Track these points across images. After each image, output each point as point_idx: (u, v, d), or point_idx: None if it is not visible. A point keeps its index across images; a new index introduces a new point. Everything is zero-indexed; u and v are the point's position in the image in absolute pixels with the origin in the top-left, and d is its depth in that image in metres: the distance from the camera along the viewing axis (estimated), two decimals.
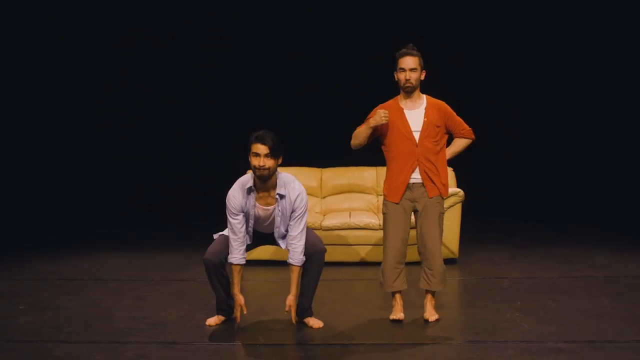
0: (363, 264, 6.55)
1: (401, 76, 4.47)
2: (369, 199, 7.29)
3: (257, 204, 4.35)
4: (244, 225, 4.39)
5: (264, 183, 4.26)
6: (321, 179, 7.44)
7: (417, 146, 4.45)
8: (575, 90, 10.05)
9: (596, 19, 9.67)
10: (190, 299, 5.29)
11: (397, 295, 4.66)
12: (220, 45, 9.66)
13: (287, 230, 4.42)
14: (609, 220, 8.76)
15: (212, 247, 4.55)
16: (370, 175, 7.37)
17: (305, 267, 4.45)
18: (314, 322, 4.54)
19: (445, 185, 4.61)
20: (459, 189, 6.61)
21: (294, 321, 4.39)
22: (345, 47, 9.65)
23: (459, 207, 6.57)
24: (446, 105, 4.60)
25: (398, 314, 4.62)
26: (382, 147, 4.64)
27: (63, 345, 4.17)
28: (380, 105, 4.61)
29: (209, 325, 4.60)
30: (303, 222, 4.36)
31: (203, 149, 10.21)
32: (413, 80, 4.45)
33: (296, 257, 4.34)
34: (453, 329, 4.52)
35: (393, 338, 4.28)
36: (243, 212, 4.35)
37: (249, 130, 4.41)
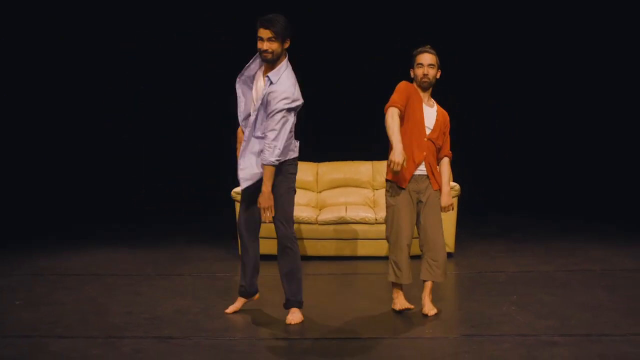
0: (359, 258, 6.55)
1: (419, 71, 4.57)
2: (365, 193, 7.29)
3: (259, 76, 4.31)
4: (248, 100, 4.41)
5: (270, 65, 4.22)
6: (317, 174, 7.44)
7: (427, 140, 4.54)
8: (572, 87, 10.07)
9: (595, 18, 9.68)
10: (187, 293, 5.29)
11: (400, 288, 4.70)
12: (220, 45, 9.65)
13: (255, 130, 4.27)
14: (606, 215, 8.79)
15: (240, 217, 4.54)
16: (366, 170, 7.37)
17: (281, 260, 4.47)
18: (292, 317, 4.46)
19: (440, 184, 4.67)
20: (455, 183, 6.61)
21: (267, 221, 4.25)
22: (343, 46, 9.66)
23: (455, 201, 6.56)
24: (449, 119, 4.72)
25: (406, 303, 4.65)
26: None
27: (59, 341, 4.16)
28: (406, 82, 4.59)
29: (227, 313, 4.66)
30: (278, 116, 4.12)
31: (203, 149, 10.22)
32: (430, 76, 4.56)
33: (265, 155, 4.12)
34: (449, 322, 4.52)
35: (389, 332, 4.28)
36: (249, 77, 4.36)
37: None
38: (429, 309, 4.59)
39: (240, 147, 4.39)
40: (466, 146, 9.64)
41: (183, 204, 10.11)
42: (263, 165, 4.17)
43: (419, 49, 4.64)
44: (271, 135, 4.12)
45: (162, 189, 10.34)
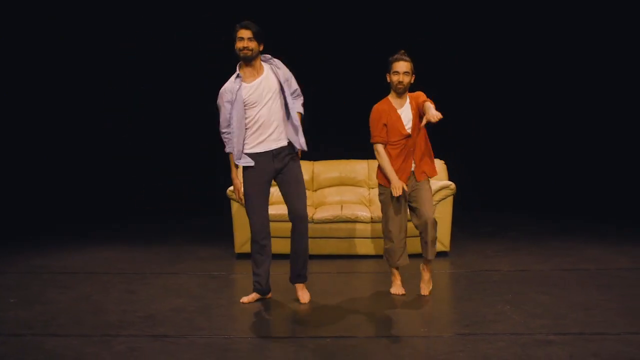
0: (355, 256, 6.56)
1: (395, 78, 4.93)
2: (361, 191, 7.30)
3: (243, 86, 4.68)
4: (233, 118, 4.70)
5: (249, 64, 4.69)
6: (313, 172, 7.44)
7: (410, 138, 4.95)
8: (569, 86, 10.10)
9: (592, 17, 9.70)
10: (182, 292, 5.28)
11: (397, 272, 5.17)
12: (220, 45, 9.65)
13: (280, 97, 4.76)
14: (600, 214, 8.81)
15: (253, 226, 4.83)
16: (362, 168, 7.38)
17: (292, 236, 4.87)
18: (302, 294, 4.95)
19: (433, 166, 5.11)
20: (450, 182, 6.61)
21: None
22: (339, 45, 9.67)
23: (450, 200, 6.57)
24: (419, 92, 5.03)
25: (399, 289, 5.13)
26: None
27: (54, 339, 4.16)
28: (376, 106, 5.04)
29: (243, 303, 4.92)
30: (295, 82, 4.87)
31: (198, 148, 10.21)
32: (405, 82, 4.93)
33: (300, 106, 4.88)
34: (444, 321, 4.53)
35: (384, 331, 4.29)
36: (231, 94, 4.69)
37: None
38: (424, 290, 5.09)
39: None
40: (462, 145, 9.72)
41: (178, 203, 10.13)
42: (298, 113, 4.84)
43: (395, 56, 4.96)
44: (299, 91, 4.87)
45: (158, 188, 10.35)
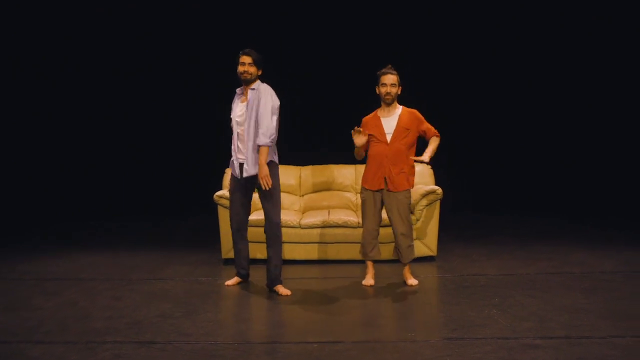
0: (342, 261, 6.55)
1: (382, 90, 5.44)
2: (348, 196, 7.30)
3: (236, 100, 5.46)
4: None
5: (247, 85, 5.34)
6: (300, 177, 7.44)
7: (388, 145, 5.43)
8: (551, 89, 10.17)
9: (580, 24, 9.79)
10: (168, 298, 5.26)
11: (370, 264, 5.70)
12: (219, 48, 9.70)
13: (255, 126, 5.24)
14: (585, 218, 8.86)
15: (230, 213, 5.57)
16: (349, 174, 7.38)
17: (267, 243, 5.42)
18: (283, 290, 5.37)
19: (410, 181, 5.54)
20: (437, 187, 6.63)
21: (268, 187, 5.23)
22: (329, 54, 9.71)
23: (437, 204, 6.59)
24: (418, 112, 5.54)
25: (370, 280, 5.65)
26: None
27: (39, 346, 4.13)
28: (365, 118, 5.61)
29: (227, 286, 5.62)
30: (268, 106, 5.21)
31: (186, 154, 10.20)
32: (392, 94, 5.43)
33: (260, 138, 5.19)
34: (431, 326, 4.54)
35: (371, 336, 4.29)
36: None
37: None
38: (410, 282, 5.60)
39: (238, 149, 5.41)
40: (448, 149, 9.74)
41: (165, 208, 10.09)
42: (259, 146, 5.20)
43: (383, 70, 5.46)
44: (264, 122, 5.18)
45: (145, 193, 10.31)
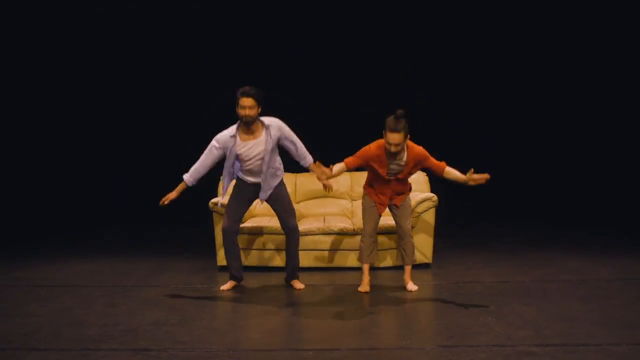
0: (337, 269, 6.54)
1: (388, 146, 5.27)
2: (343, 204, 7.30)
3: (239, 144, 5.45)
4: (228, 163, 5.55)
5: (249, 126, 5.41)
6: (296, 184, 7.43)
7: (391, 185, 5.51)
8: (546, 98, 10.19)
9: (571, 31, 9.83)
10: (164, 304, 5.24)
11: (366, 270, 5.71)
12: (219, 48, 9.72)
13: (269, 167, 5.56)
14: (581, 225, 8.86)
15: (227, 217, 5.69)
16: (345, 181, 7.38)
17: (286, 245, 5.82)
18: (298, 284, 5.80)
19: (407, 192, 5.69)
20: (432, 194, 6.63)
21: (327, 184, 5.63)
22: (326, 61, 9.72)
23: (432, 212, 6.59)
24: (423, 151, 5.43)
25: (365, 287, 5.64)
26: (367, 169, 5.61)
27: (33, 353, 4.11)
28: (373, 148, 5.39)
29: (223, 290, 5.69)
30: (295, 137, 5.61)
31: (181, 160, 10.14)
32: (399, 149, 5.30)
33: (307, 159, 5.63)
34: (427, 333, 4.54)
35: (367, 343, 4.28)
36: (224, 148, 5.48)
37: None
38: (410, 287, 5.63)
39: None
40: (443, 156, 9.75)
41: (160, 214, 10.04)
42: (309, 165, 5.64)
43: (390, 127, 5.19)
44: (300, 144, 5.62)
45: (140, 200, 10.27)
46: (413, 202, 6.43)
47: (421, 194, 6.65)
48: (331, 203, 7.30)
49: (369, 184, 5.65)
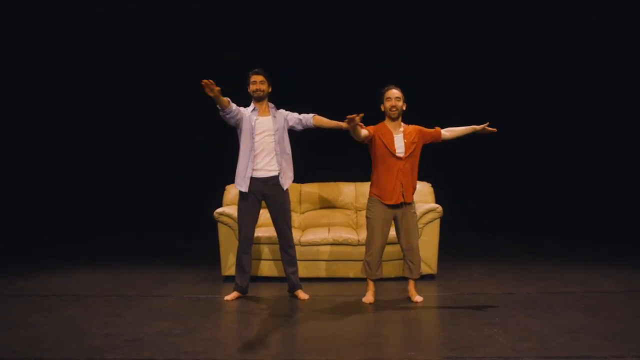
0: (342, 279, 6.54)
1: (388, 104, 5.51)
2: (348, 214, 7.30)
3: (257, 117, 5.70)
4: (246, 135, 5.68)
5: (260, 102, 5.72)
6: (300, 194, 7.43)
7: (402, 161, 5.48)
8: (549, 109, 10.19)
9: (566, 41, 9.85)
10: (168, 315, 5.24)
11: (372, 283, 5.67)
12: (219, 48, 9.76)
13: (281, 142, 5.72)
14: (586, 237, 8.85)
15: (240, 227, 5.76)
16: (349, 191, 7.38)
17: (283, 258, 5.83)
18: (302, 295, 5.83)
19: (414, 190, 5.65)
20: (437, 205, 6.63)
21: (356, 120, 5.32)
22: (329, 69, 9.75)
23: (437, 223, 6.59)
24: (418, 126, 5.64)
25: (370, 298, 5.64)
26: (371, 155, 5.62)
27: None
28: (376, 126, 5.55)
29: (227, 300, 5.72)
30: (297, 115, 5.82)
31: (185, 171, 10.20)
32: (398, 107, 5.49)
33: (308, 118, 5.79)
34: (431, 345, 4.52)
35: (371, 354, 4.27)
36: (239, 111, 5.65)
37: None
38: (416, 298, 5.62)
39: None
40: (448, 168, 9.76)
41: (165, 225, 10.07)
42: (313, 117, 5.79)
43: (386, 86, 5.58)
44: (303, 114, 5.81)
45: (145, 210, 10.30)
46: (417, 213, 6.43)
47: (426, 204, 6.65)
48: (336, 213, 7.30)
49: (375, 183, 5.60)
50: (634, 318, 4.99)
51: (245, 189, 5.64)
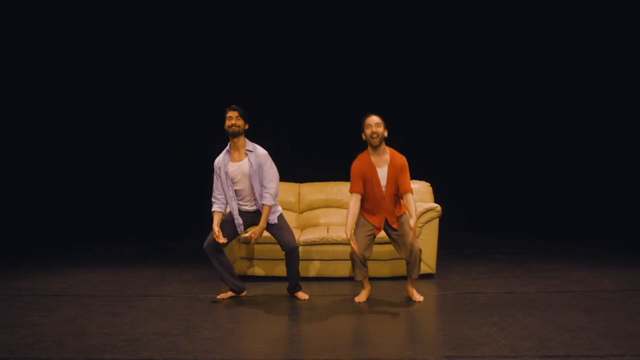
0: (340, 279, 6.54)
1: (368, 131, 5.44)
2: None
3: (229, 163, 5.71)
4: (223, 184, 5.73)
5: (236, 140, 5.69)
6: (299, 194, 7.44)
7: (384, 192, 5.50)
8: (550, 108, 10.20)
9: (561, 45, 9.86)
10: (166, 315, 5.24)
11: (366, 282, 5.72)
12: (219, 48, 9.76)
13: (261, 185, 5.67)
14: (585, 236, 8.85)
15: (208, 239, 5.68)
16: (348, 191, 7.36)
17: (287, 262, 5.76)
18: (302, 295, 5.84)
19: (403, 208, 5.63)
20: (436, 204, 6.63)
21: (253, 241, 5.70)
22: (329, 70, 9.76)
23: (436, 222, 6.59)
24: (405, 160, 5.54)
25: (362, 297, 5.68)
26: None
27: None
28: (356, 163, 5.58)
29: (219, 299, 5.78)
30: (272, 170, 5.72)
31: (184, 172, 10.21)
32: (379, 132, 5.40)
33: (267, 199, 5.64)
34: (430, 344, 4.52)
35: (370, 354, 4.27)
36: (220, 170, 5.71)
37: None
38: (417, 298, 5.63)
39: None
40: (447, 167, 9.77)
41: (163, 225, 10.06)
42: (263, 205, 5.65)
43: (366, 114, 5.47)
44: (270, 185, 5.67)
45: (143, 210, 10.29)
46: (418, 212, 6.44)
47: (425, 204, 6.65)
48: (335, 213, 7.30)
49: (363, 208, 5.62)
50: (634, 317, 4.99)
51: (236, 213, 5.75)
